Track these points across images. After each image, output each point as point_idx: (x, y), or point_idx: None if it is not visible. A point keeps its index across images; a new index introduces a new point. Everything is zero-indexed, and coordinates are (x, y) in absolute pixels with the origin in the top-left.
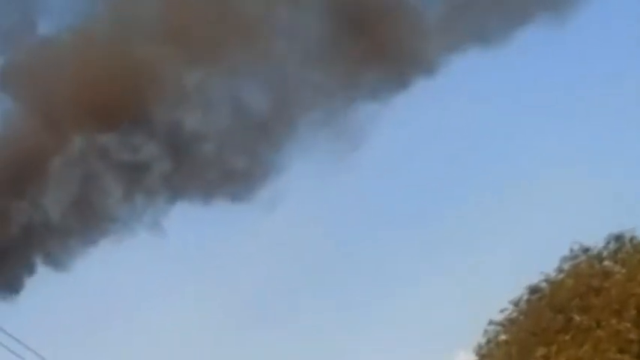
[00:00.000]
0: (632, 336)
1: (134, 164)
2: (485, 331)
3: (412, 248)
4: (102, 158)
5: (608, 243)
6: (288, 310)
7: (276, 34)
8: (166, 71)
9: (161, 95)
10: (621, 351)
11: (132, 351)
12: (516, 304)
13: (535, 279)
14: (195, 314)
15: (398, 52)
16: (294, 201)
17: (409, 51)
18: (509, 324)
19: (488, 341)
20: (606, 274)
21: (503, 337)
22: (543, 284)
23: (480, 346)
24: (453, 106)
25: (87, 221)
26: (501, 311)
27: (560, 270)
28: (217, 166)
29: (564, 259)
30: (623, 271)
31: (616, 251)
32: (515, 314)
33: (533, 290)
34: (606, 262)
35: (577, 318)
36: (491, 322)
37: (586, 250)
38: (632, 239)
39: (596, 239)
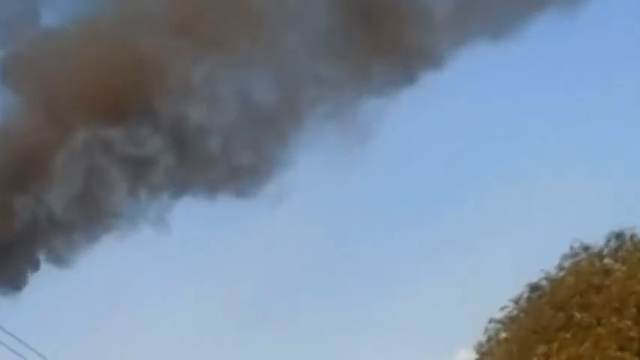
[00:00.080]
0: (633, 334)
1: (138, 158)
2: (486, 329)
3: (412, 248)
4: (106, 152)
5: (608, 241)
6: (288, 310)
7: (283, 27)
8: (172, 64)
9: (166, 88)
10: (622, 348)
11: (133, 349)
12: (517, 301)
13: (535, 277)
14: (196, 313)
15: (406, 46)
16: (294, 201)
17: (417, 45)
18: (509, 322)
19: (489, 339)
20: (607, 272)
21: (503, 335)
22: (544, 282)
23: (480, 344)
24: (453, 106)
25: (90, 216)
26: (502, 309)
27: (560, 268)
28: (222, 160)
29: (565, 257)
30: (624, 268)
31: (616, 249)
32: (515, 312)
33: (534, 288)
34: (607, 260)
35: (577, 316)
36: (491, 320)
37: (586, 247)
38: (632, 237)
39: (596, 237)
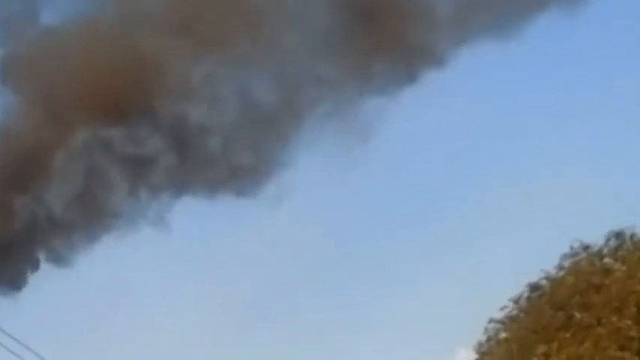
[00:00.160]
0: (633, 333)
1: (139, 158)
2: (486, 329)
3: (412, 248)
4: (106, 152)
5: (608, 240)
6: (288, 310)
7: (283, 26)
8: (172, 64)
9: (166, 88)
10: (622, 348)
11: (133, 350)
12: (517, 301)
13: (535, 276)
14: (196, 313)
15: (407, 45)
16: (294, 200)
17: (418, 43)
18: (509, 322)
19: (489, 339)
20: (606, 272)
21: (503, 334)
22: (544, 282)
23: (480, 344)
24: (452, 106)
25: (90, 216)
26: (502, 309)
27: (560, 267)
28: (223, 160)
29: (564, 257)
30: (624, 268)
31: (616, 248)
32: (515, 312)
33: (534, 288)
34: (607, 260)
35: (577, 315)
36: (491, 320)
37: (586, 247)
38: (632, 236)
39: (596, 237)
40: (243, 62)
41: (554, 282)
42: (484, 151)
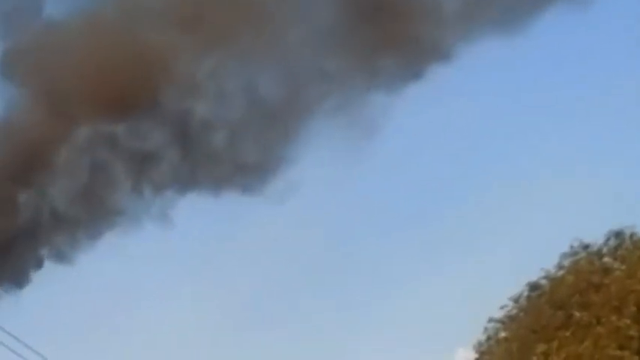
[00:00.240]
0: (632, 332)
1: (143, 154)
2: (486, 329)
3: (412, 248)
4: (110, 147)
5: (608, 239)
6: (287, 310)
7: (289, 21)
8: (177, 58)
9: (171, 83)
10: (621, 347)
11: (133, 348)
12: (516, 300)
13: (535, 276)
14: (196, 312)
15: (413, 40)
16: (294, 200)
17: (425, 39)
18: (509, 321)
19: (489, 338)
20: (606, 271)
21: (503, 334)
22: (543, 281)
23: (479, 344)
24: (453, 106)
25: (94, 212)
26: (501, 308)
27: (560, 266)
28: (228, 156)
29: (564, 256)
30: (623, 267)
31: (616, 248)
32: (515, 311)
33: (533, 287)
34: (606, 259)
35: (577, 314)
36: (491, 320)
37: (586, 246)
38: (632, 236)
39: (596, 236)
40: (249, 57)
41: (554, 281)
42: (484, 151)
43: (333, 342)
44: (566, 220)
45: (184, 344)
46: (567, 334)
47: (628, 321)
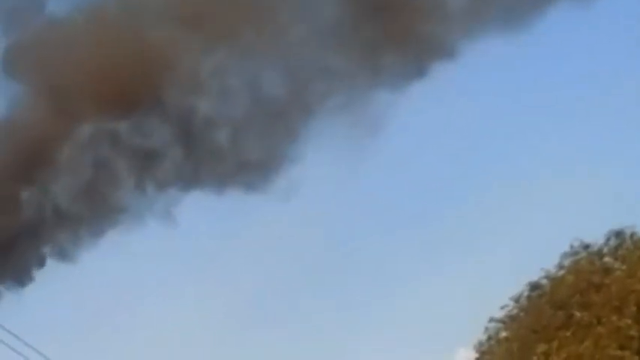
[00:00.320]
0: (633, 332)
1: (146, 151)
2: (486, 328)
3: (413, 247)
4: (113, 145)
5: (608, 239)
6: (288, 310)
7: (293, 18)
8: (180, 55)
9: (175, 80)
10: (621, 347)
11: (134, 347)
12: (517, 300)
13: (536, 275)
14: (198, 311)
15: (417, 37)
16: (297, 199)
17: (429, 36)
18: (509, 321)
19: (489, 338)
20: (606, 271)
21: (503, 334)
22: (544, 281)
23: (480, 344)
24: (452, 106)
25: (97, 209)
26: (502, 308)
27: (560, 266)
28: (231, 154)
29: (565, 256)
30: (624, 267)
31: (616, 248)
32: (515, 311)
33: (534, 287)
34: (606, 259)
35: (577, 314)
36: (491, 319)
37: (586, 246)
38: (632, 235)
39: (596, 236)
40: (252, 55)
41: (555, 281)
42: (484, 150)
43: (333, 342)
44: (567, 219)
45: (187, 342)
46: (568, 334)
47: (629, 321)
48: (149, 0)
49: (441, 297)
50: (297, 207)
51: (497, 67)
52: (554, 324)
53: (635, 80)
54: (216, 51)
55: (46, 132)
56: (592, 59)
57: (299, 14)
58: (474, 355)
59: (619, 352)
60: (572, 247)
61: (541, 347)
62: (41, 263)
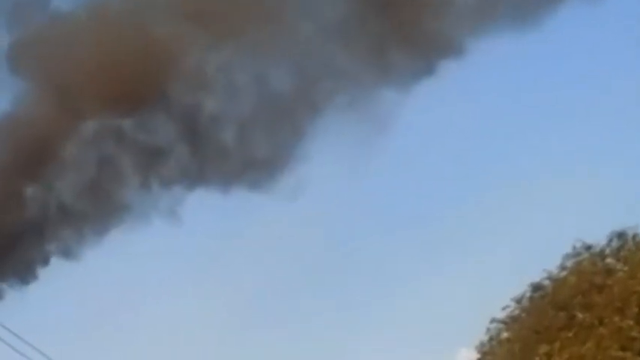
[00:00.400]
0: (635, 333)
1: (151, 148)
2: (488, 329)
3: (412, 248)
4: (117, 142)
5: (610, 240)
6: (288, 310)
7: (300, 15)
8: (186, 52)
9: (180, 77)
10: (623, 348)
11: (137, 346)
12: (519, 301)
13: (538, 276)
14: (201, 311)
15: (425, 35)
16: (301, 198)
17: (437, 34)
18: (511, 322)
19: (491, 339)
20: (609, 272)
21: (505, 334)
22: (546, 282)
23: (482, 344)
24: (452, 107)
25: (101, 207)
26: (504, 309)
27: (562, 267)
28: (237, 152)
29: (567, 257)
30: (626, 268)
31: (619, 249)
32: (517, 312)
33: (536, 288)
34: (609, 260)
35: (579, 315)
36: (493, 320)
37: (588, 247)
38: (634, 237)
39: (598, 237)
40: (259, 52)
41: (557, 282)
42: (484, 151)
43: (333, 341)
44: (569, 220)
45: (189, 341)
46: (570, 335)
47: (631, 322)
48: None
49: (442, 297)
50: (298, 206)
51: (504, 66)
52: (556, 325)
53: (636, 80)
54: (222, 48)
55: (50, 129)
56: (592, 59)
57: (306, 11)
58: (476, 355)
59: (621, 354)
60: (574, 248)
61: (543, 348)
62: (45, 261)
